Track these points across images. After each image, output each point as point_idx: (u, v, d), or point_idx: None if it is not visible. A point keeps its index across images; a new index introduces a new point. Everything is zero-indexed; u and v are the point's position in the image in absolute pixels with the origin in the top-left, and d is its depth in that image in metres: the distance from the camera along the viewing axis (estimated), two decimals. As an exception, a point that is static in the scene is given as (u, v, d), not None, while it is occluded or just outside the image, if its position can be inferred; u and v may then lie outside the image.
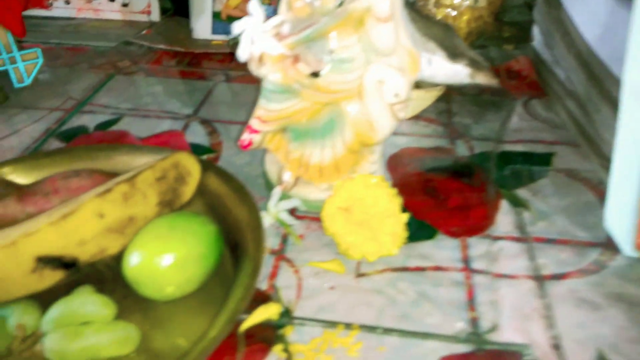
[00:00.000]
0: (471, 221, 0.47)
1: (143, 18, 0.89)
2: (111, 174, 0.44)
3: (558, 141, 0.58)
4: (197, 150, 0.57)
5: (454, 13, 0.77)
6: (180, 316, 0.37)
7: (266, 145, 0.47)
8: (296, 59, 0.41)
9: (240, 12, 0.80)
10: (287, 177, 0.47)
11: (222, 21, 0.80)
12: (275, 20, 0.41)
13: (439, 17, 0.77)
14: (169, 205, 0.40)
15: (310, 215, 0.47)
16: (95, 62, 0.76)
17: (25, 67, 0.67)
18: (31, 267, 0.34)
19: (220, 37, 0.81)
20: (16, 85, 0.67)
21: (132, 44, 0.81)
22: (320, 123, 0.43)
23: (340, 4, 0.38)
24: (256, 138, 0.46)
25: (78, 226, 0.35)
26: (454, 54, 0.59)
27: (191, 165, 0.43)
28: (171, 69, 0.74)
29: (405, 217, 0.42)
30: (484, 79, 0.59)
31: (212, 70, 0.74)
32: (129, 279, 0.36)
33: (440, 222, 0.47)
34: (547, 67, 0.69)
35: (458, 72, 0.59)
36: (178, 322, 0.37)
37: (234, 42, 0.79)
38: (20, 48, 0.67)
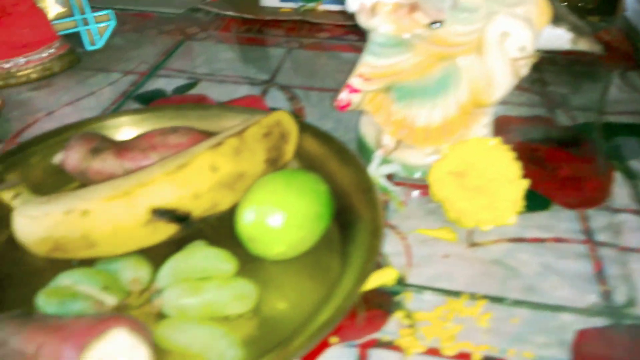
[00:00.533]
0: (586, 193, 0.44)
1: (207, -14, 0.87)
2: (207, 133, 0.42)
3: (665, 114, 0.54)
4: (279, 115, 0.54)
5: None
6: (291, 278, 0.35)
7: (365, 106, 0.44)
8: (413, 8, 0.38)
9: (310, -21, 0.77)
10: (387, 140, 0.44)
11: (291, -12, 0.78)
12: (391, -34, 0.38)
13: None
14: (274, 164, 0.38)
15: (410, 182, 0.44)
16: (163, 28, 0.74)
17: (98, 29, 0.66)
18: (145, 219, 0.32)
19: (288, 5, 0.78)
20: (88, 47, 0.66)
21: (199, 10, 0.79)
22: (431, 80, 0.40)
23: (471, -54, 0.35)
24: (355, 98, 0.43)
25: (193, 178, 0.33)
26: (555, 18, 0.55)
27: (291, 124, 0.41)
28: (241, 36, 0.72)
29: (525, 183, 0.39)
30: (586, 45, 0.55)
31: (283, 37, 0.72)
32: (242, 236, 0.34)
33: (553, 193, 0.43)
34: (645, 37, 0.64)
35: (559, 37, 0.55)
36: (289, 284, 0.35)
37: (304, 10, 0.77)
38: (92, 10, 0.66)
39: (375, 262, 0.31)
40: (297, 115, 0.54)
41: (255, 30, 0.73)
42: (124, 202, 0.31)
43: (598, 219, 0.41)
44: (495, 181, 0.38)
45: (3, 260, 0.36)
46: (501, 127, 0.52)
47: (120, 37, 0.71)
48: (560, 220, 0.41)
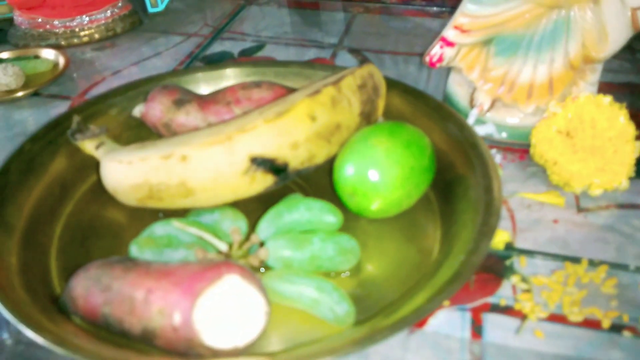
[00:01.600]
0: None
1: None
2: (290, 88, 0.40)
3: None
4: (353, 77, 0.52)
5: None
6: (390, 238, 0.33)
7: (457, 63, 0.41)
8: (526, -50, 0.35)
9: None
10: (482, 98, 0.41)
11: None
12: None
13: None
14: (368, 118, 0.36)
15: (504, 145, 0.42)
16: (223, -7, 0.72)
17: (160, -10, 0.64)
18: (244, 167, 0.30)
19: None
20: (150, 10, 0.64)
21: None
22: (539, 32, 0.37)
23: None
24: (449, 53, 0.40)
25: (291, 127, 0.30)
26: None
27: (380, 78, 0.38)
28: (305, 1, 0.69)
29: (642, 144, 0.35)
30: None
31: (347, 2, 0.69)
32: (342, 189, 0.31)
33: (662, 159, 0.40)
34: None
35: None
36: (389, 244, 0.32)
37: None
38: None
39: (497, 220, 0.29)
40: (372, 78, 0.52)
41: (316, -3, 0.71)
42: (224, 149, 0.29)
43: None
44: (610, 141, 0.35)
45: (84, 212, 0.35)
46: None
47: (181, 2, 0.69)
48: (674, 188, 0.37)
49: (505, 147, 0.41)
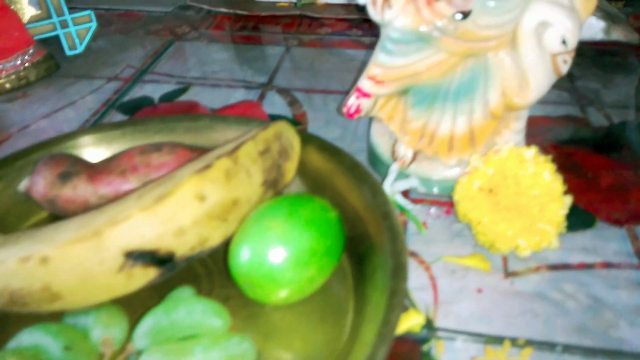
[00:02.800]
0: (632, 205, 0.38)
1: (197, -19, 0.81)
2: (196, 149, 0.37)
3: None
4: (279, 122, 0.49)
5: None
6: (298, 325, 0.29)
7: (376, 113, 0.39)
8: (433, -2, 0.32)
9: (309, -30, 0.71)
10: (404, 151, 0.38)
11: (288, -19, 0.72)
12: (406, -52, 0.32)
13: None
14: (273, 186, 0.33)
15: (431, 198, 0.39)
16: (151, 28, 0.68)
17: (78, 32, 0.60)
18: (118, 264, 0.26)
19: (286, -1, 0.72)
20: (68, 52, 0.60)
21: (189, 8, 0.73)
22: (455, 82, 0.34)
23: None
24: (365, 104, 0.37)
25: (175, 212, 0.27)
26: (585, 4, 0.49)
27: (293, 137, 0.35)
28: (235, 35, 0.66)
29: (569, 200, 0.33)
30: (621, 34, 0.49)
31: (280, 34, 0.66)
32: (237, 278, 0.28)
33: (596, 207, 0.38)
34: (681, 22, 0.58)
35: (591, 26, 0.50)
36: (296, 332, 0.29)
37: (303, 3, 0.71)
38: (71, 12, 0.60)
39: (400, 308, 0.26)
40: (299, 122, 0.49)
41: (250, 28, 0.68)
42: (91, 246, 0.25)
43: (652, 237, 0.35)
44: (535, 200, 0.32)
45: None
46: (530, 128, 0.46)
47: (104, 40, 0.65)
48: (607, 240, 0.35)
49: (432, 201, 0.39)
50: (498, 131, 0.36)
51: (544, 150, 0.43)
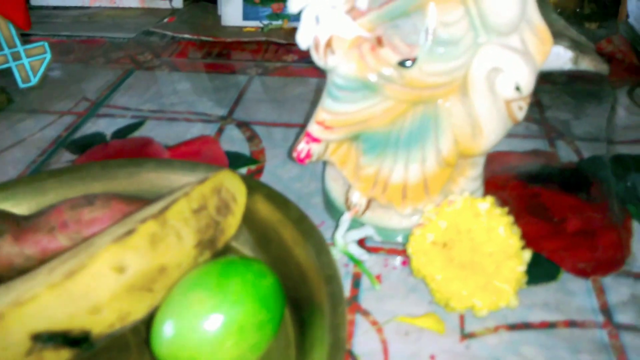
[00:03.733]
0: (601, 252, 0.36)
1: (164, 5, 0.79)
2: (134, 200, 0.34)
3: (685, 141, 0.46)
4: (236, 160, 0.46)
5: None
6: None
7: (329, 157, 0.36)
8: (378, 42, 0.30)
9: (275, -6, 0.69)
10: (357, 198, 0.36)
11: (255, 5, 0.70)
12: (348, -10, 0.30)
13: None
14: (210, 246, 0.30)
15: (388, 247, 0.37)
16: (112, 56, 0.66)
17: (31, 64, 0.57)
18: (25, 348, 0.24)
19: (253, 24, 0.70)
20: (21, 85, 0.58)
21: (153, 34, 0.71)
22: (406, 129, 0.32)
23: (446, -37, 0.27)
24: (316, 149, 0.35)
25: (89, 287, 0.25)
26: (552, 34, 0.47)
27: (236, 188, 0.33)
28: (198, 62, 0.64)
29: (527, 255, 0.31)
30: (590, 64, 0.47)
31: (245, 62, 0.64)
32: (160, 356, 0.26)
33: (561, 256, 0.35)
34: (653, 47, 0.57)
35: (559, 56, 0.47)
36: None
37: (269, 29, 0.69)
38: (26, 42, 0.58)
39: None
40: (257, 160, 0.46)
41: (214, 55, 0.65)
42: (-7, 330, 0.23)
43: (618, 289, 0.33)
44: (490, 257, 0.30)
45: None
46: (494, 165, 0.44)
47: (62, 70, 0.63)
48: (571, 295, 0.33)
49: (389, 249, 0.36)
50: (453, 179, 0.34)
51: (507, 190, 0.41)
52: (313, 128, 0.34)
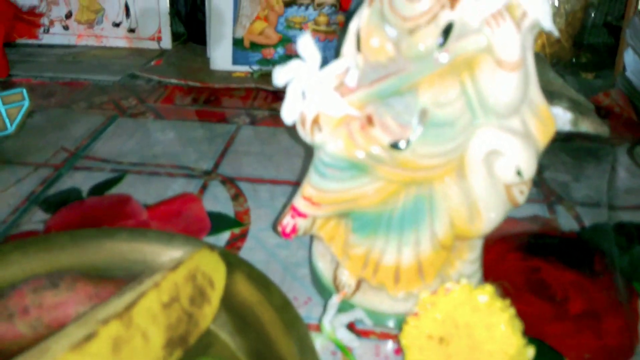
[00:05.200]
0: (607, 339, 0.33)
1: (152, 46, 0.77)
2: (102, 281, 0.31)
3: (689, 207, 0.44)
4: (219, 222, 0.44)
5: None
6: None
7: (316, 232, 0.34)
8: (369, 121, 0.28)
9: (265, 39, 0.67)
10: (346, 278, 0.33)
11: (245, 49, 0.68)
12: (337, 66, 0.28)
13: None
14: (182, 343, 0.27)
15: (380, 331, 0.34)
16: (96, 100, 0.64)
17: (8, 111, 0.55)
18: None
19: (242, 68, 0.68)
20: (-3, 133, 0.55)
21: (139, 77, 0.69)
22: (398, 210, 0.30)
23: (442, 44, 0.25)
24: (302, 223, 0.33)
25: (38, 407, 0.22)
26: (550, 95, 0.46)
27: (214, 270, 0.30)
28: (185, 109, 0.62)
29: (531, 353, 0.28)
30: (590, 126, 0.46)
31: (233, 110, 0.62)
32: None
33: (564, 343, 0.33)
34: (652, 103, 0.55)
35: (558, 117, 0.46)
36: None
37: (259, 75, 0.67)
38: (5, 85, 0.56)
39: None
40: (241, 223, 0.44)
41: (202, 101, 0.63)
42: None
43: (629, 386, 0.31)
44: (492, 356, 0.28)
45: None
46: (491, 234, 0.42)
47: (42, 115, 0.60)
48: (578, 391, 0.30)
49: (381, 334, 0.34)
50: (450, 262, 0.32)
51: (505, 263, 0.38)
52: (299, 203, 0.32)
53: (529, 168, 0.27)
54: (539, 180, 0.48)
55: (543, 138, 0.28)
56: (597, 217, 0.43)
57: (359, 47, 0.27)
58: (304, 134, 0.29)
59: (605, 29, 0.74)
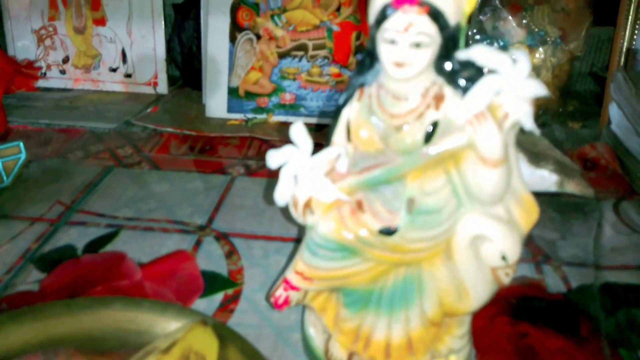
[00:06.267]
0: (593, 411, 0.34)
1: (149, 90, 0.79)
2: (97, 356, 0.32)
3: (673, 267, 0.45)
4: (212, 282, 0.44)
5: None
6: None
7: (308, 302, 0.35)
8: (359, 207, 0.29)
9: (260, 89, 0.69)
10: (337, 351, 0.34)
11: (240, 98, 0.69)
12: (329, 152, 0.29)
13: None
14: None
15: (370, 402, 0.34)
16: (92, 149, 0.65)
17: (5, 164, 0.56)
18: None
19: (237, 116, 0.70)
20: (-7, 186, 0.56)
21: (134, 125, 0.70)
22: (388, 288, 0.31)
23: (427, 139, 0.26)
24: (294, 296, 0.33)
25: None
26: (536, 157, 0.47)
27: (207, 347, 0.31)
28: (181, 159, 0.63)
29: None
30: (576, 188, 0.47)
31: (228, 159, 0.63)
32: None
33: (552, 416, 0.34)
34: (635, 159, 0.57)
35: (543, 179, 0.47)
36: None
37: (253, 123, 0.68)
38: (1, 138, 0.56)
39: None
40: (235, 283, 0.44)
41: (197, 150, 0.64)
42: None
43: None
44: None
45: None
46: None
47: (37, 167, 0.61)
48: None
49: (371, 405, 0.34)
50: (440, 337, 0.32)
51: (492, 328, 0.39)
52: (292, 277, 0.33)
53: (514, 253, 0.28)
54: (527, 238, 0.49)
55: (526, 225, 0.29)
56: (584, 277, 0.44)
57: (349, 137, 0.28)
58: (296, 215, 0.30)
59: (592, 77, 0.77)
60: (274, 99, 0.69)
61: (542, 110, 0.66)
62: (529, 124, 0.25)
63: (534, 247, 0.48)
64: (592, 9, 0.66)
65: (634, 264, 0.46)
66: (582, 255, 0.47)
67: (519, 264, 0.46)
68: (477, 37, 0.64)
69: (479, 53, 0.24)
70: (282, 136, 0.65)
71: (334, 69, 0.67)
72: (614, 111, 0.61)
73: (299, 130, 0.29)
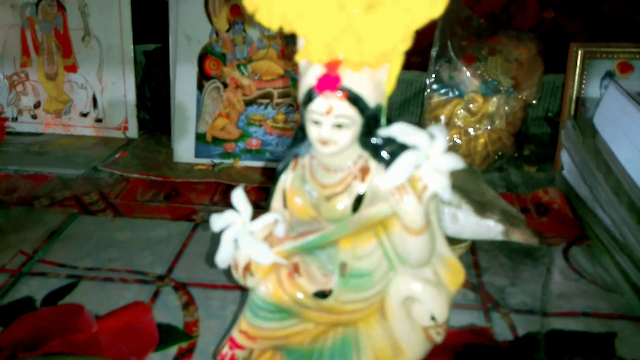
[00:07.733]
0: None
1: (119, 135, 0.80)
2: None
3: (616, 314, 0.47)
4: (168, 335, 0.45)
5: (468, 135, 0.68)
6: None
7: (255, 360, 0.36)
8: (295, 270, 0.30)
9: (227, 134, 0.71)
10: (283, 406, 0.35)
11: (207, 143, 0.71)
12: (267, 218, 0.30)
13: (449, 141, 0.68)
14: None
15: None
16: (58, 196, 0.65)
17: (-33, 214, 0.56)
18: None
19: (204, 161, 0.71)
20: (-45, 236, 0.56)
21: (102, 171, 0.71)
22: (327, 347, 0.32)
23: (355, 209, 0.28)
24: (240, 354, 0.34)
25: None
26: (482, 207, 0.49)
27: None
28: (146, 205, 0.64)
29: None
30: (521, 237, 0.49)
31: (193, 205, 0.64)
32: None
33: None
34: (585, 204, 0.59)
35: (490, 229, 0.49)
36: None
37: (220, 168, 0.70)
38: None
39: None
40: (190, 335, 0.45)
41: (163, 197, 0.65)
42: None
43: None
44: None
45: None
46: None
47: (3, 214, 0.61)
48: None
49: None
50: (379, 392, 0.33)
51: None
52: (237, 335, 0.34)
53: (442, 314, 0.30)
54: (477, 284, 0.50)
55: (453, 286, 0.30)
56: (531, 324, 0.46)
57: (285, 204, 0.30)
58: (237, 277, 0.31)
59: (545, 121, 0.80)
60: (241, 145, 0.71)
61: (498, 156, 0.69)
62: (447, 195, 0.27)
63: (484, 294, 0.49)
64: (544, 58, 0.70)
65: (580, 311, 0.47)
66: (531, 301, 0.48)
67: (469, 310, 0.48)
68: (434, 86, 0.67)
69: (399, 131, 0.26)
70: (247, 181, 0.67)
71: (298, 116, 0.69)
72: (565, 158, 0.64)
73: (239, 196, 0.31)
